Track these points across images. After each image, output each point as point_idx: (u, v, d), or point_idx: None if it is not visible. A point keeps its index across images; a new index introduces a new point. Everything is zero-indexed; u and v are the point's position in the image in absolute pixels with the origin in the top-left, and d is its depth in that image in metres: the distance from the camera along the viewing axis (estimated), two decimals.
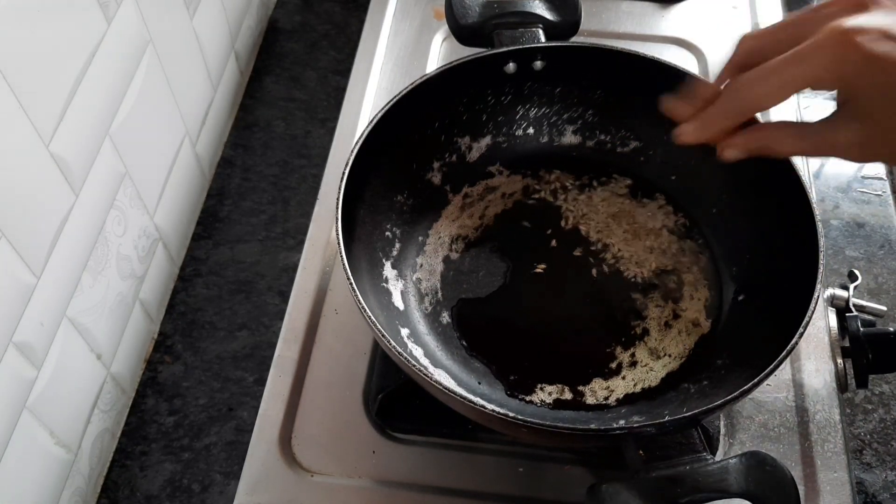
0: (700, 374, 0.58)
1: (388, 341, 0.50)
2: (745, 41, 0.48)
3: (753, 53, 0.47)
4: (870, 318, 0.64)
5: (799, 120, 0.78)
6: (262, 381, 0.66)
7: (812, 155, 0.47)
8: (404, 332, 0.60)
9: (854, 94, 0.43)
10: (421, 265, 0.65)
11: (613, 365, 0.60)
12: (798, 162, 0.56)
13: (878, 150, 0.44)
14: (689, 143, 0.50)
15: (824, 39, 0.42)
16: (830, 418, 0.61)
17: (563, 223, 0.68)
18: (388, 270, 0.63)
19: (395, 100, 0.61)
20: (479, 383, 0.59)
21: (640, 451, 0.46)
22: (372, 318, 0.51)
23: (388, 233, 0.64)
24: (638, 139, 0.69)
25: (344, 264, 0.53)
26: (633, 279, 0.64)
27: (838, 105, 0.45)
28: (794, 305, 0.52)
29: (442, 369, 0.59)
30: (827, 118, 0.46)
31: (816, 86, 0.44)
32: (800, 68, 0.44)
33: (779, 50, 0.44)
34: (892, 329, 0.61)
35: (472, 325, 0.62)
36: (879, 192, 0.78)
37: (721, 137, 0.49)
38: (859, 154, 0.45)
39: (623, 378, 0.59)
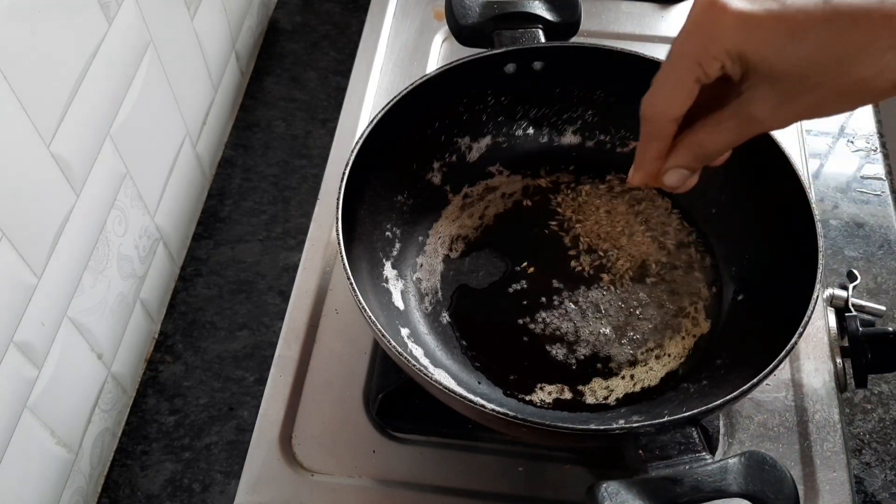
0: (700, 373, 0.58)
1: (389, 341, 0.50)
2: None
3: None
4: (869, 317, 0.64)
5: None
6: (262, 381, 0.66)
7: (743, 139, 0.45)
8: (404, 331, 0.60)
9: (745, 60, 0.42)
10: (421, 265, 0.65)
11: (613, 365, 0.60)
12: (798, 162, 0.56)
13: (798, 103, 0.42)
14: (639, 186, 0.51)
15: (693, 18, 0.42)
16: (829, 418, 0.61)
17: (562, 223, 0.68)
18: (389, 270, 0.63)
19: (395, 100, 0.61)
20: (479, 383, 0.59)
21: (640, 451, 0.46)
22: (372, 317, 0.51)
23: (388, 233, 0.64)
24: (638, 139, 0.69)
25: (344, 264, 0.53)
26: (632, 279, 0.64)
27: (739, 82, 0.43)
28: (794, 305, 0.52)
29: (442, 369, 0.59)
30: (738, 98, 0.44)
31: (709, 67, 0.42)
32: (683, 60, 0.43)
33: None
34: (891, 329, 0.61)
35: (471, 324, 0.62)
36: (878, 193, 0.78)
37: (661, 167, 0.49)
38: (782, 116, 0.43)
39: (623, 378, 0.59)
